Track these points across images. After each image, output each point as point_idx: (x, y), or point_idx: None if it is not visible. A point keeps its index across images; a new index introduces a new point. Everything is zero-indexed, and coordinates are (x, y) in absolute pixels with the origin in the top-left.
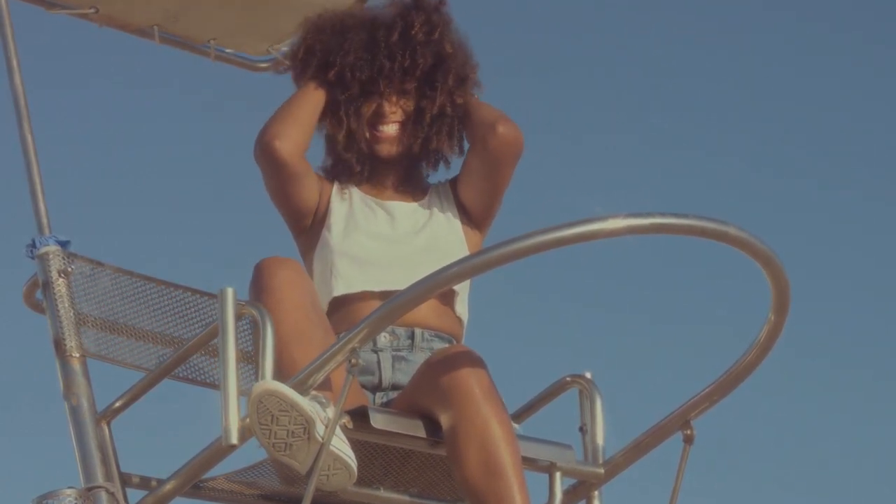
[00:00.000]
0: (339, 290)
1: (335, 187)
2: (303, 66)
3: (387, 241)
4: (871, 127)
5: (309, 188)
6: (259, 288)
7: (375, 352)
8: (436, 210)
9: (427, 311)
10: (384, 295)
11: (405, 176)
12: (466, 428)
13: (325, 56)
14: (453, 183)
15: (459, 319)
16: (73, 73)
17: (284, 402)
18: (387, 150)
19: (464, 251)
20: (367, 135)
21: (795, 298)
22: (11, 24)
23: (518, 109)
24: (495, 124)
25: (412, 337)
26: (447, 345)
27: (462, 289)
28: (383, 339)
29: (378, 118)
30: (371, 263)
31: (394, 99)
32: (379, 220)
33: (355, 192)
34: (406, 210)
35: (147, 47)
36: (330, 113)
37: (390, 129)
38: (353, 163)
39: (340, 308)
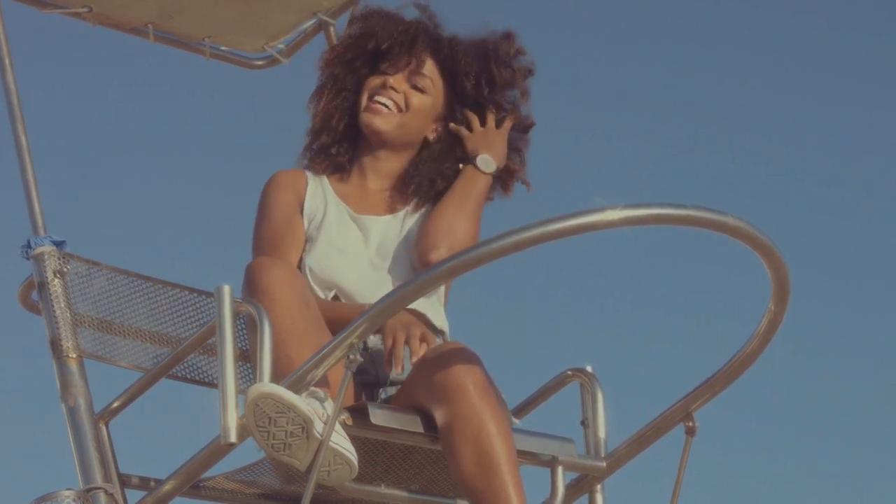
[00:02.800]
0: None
1: (309, 186)
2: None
3: (356, 259)
4: (873, 121)
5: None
6: (251, 288)
7: (367, 349)
8: (411, 227)
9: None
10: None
11: (392, 177)
12: (461, 425)
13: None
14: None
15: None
16: (67, 73)
17: (281, 404)
18: (378, 123)
19: None
20: (364, 103)
21: (795, 291)
22: (4, 23)
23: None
24: (427, 252)
25: None
26: (437, 338)
27: (434, 304)
28: (372, 339)
29: (381, 89)
30: (340, 280)
31: (402, 83)
32: (351, 236)
33: (331, 198)
34: (380, 225)
35: (142, 46)
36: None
37: (386, 103)
38: (332, 148)
39: None
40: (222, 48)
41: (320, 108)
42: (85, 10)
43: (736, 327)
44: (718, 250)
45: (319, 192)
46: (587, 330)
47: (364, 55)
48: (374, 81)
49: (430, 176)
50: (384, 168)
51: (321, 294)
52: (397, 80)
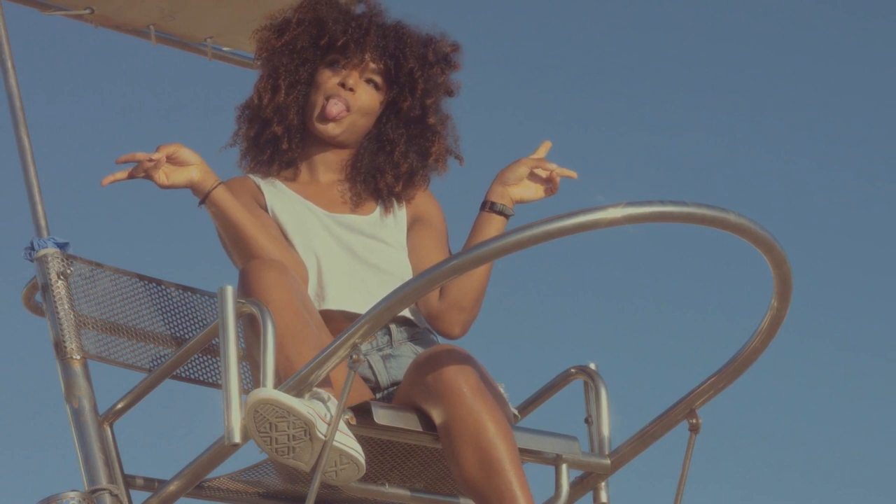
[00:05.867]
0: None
1: (264, 189)
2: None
3: (346, 259)
4: (873, 109)
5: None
6: (246, 293)
7: (363, 356)
8: (388, 225)
9: None
10: (346, 315)
11: (339, 170)
12: (458, 427)
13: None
14: (409, 196)
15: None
16: (69, 75)
17: (280, 409)
18: (332, 129)
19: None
20: (321, 104)
21: (800, 284)
22: (6, 26)
23: (518, 100)
24: (443, 315)
25: (389, 333)
26: (424, 330)
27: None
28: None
29: (339, 89)
30: (333, 281)
31: (358, 81)
32: (336, 236)
33: (295, 199)
34: (360, 225)
35: (144, 47)
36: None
37: (342, 106)
38: (282, 142)
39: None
40: (224, 49)
41: (274, 100)
42: (87, 11)
43: (739, 324)
44: (722, 246)
45: (279, 196)
46: (590, 327)
47: (314, 47)
48: (331, 81)
49: (371, 172)
50: (333, 161)
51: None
52: (354, 80)
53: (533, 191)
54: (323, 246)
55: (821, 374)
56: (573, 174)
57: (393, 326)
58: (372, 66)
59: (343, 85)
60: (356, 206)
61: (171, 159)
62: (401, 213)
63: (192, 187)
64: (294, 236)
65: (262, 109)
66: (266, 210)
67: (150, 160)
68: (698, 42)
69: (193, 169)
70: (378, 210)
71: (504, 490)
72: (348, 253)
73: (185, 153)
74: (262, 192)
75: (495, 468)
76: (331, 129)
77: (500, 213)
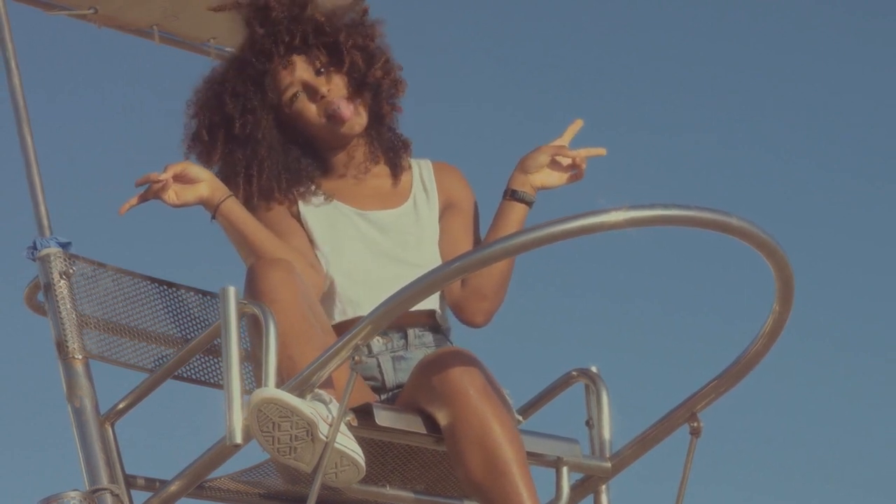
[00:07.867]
0: (336, 317)
1: (299, 201)
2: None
3: (376, 260)
4: (873, 109)
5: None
6: (252, 292)
7: (373, 356)
8: (422, 215)
9: (414, 309)
10: None
11: (363, 159)
12: (464, 429)
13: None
14: (441, 180)
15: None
16: (72, 74)
17: (284, 409)
18: (359, 124)
19: None
20: (324, 120)
21: (801, 285)
22: (9, 25)
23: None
24: (465, 304)
25: (405, 336)
26: (441, 336)
27: (441, 302)
28: (377, 343)
29: (326, 100)
30: (364, 286)
31: (314, 77)
32: (366, 237)
33: (327, 201)
34: (391, 221)
35: (147, 47)
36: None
37: (342, 106)
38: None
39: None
40: (227, 49)
41: (257, 188)
42: (90, 11)
43: (741, 327)
44: (724, 249)
45: (312, 202)
46: (592, 330)
47: (262, 108)
48: (311, 106)
49: (382, 149)
50: (359, 156)
51: (350, 298)
52: (315, 83)
53: (556, 178)
54: (354, 251)
55: (821, 375)
56: (602, 151)
57: (411, 330)
58: (306, 62)
59: (321, 96)
60: (388, 198)
61: (179, 178)
62: (433, 200)
63: (203, 203)
64: (324, 244)
65: (251, 198)
66: (298, 217)
67: (159, 181)
68: (698, 42)
69: (202, 185)
70: (411, 199)
71: (510, 492)
72: (380, 254)
73: (194, 170)
74: (296, 200)
75: (501, 469)
76: (357, 121)
77: (522, 200)
